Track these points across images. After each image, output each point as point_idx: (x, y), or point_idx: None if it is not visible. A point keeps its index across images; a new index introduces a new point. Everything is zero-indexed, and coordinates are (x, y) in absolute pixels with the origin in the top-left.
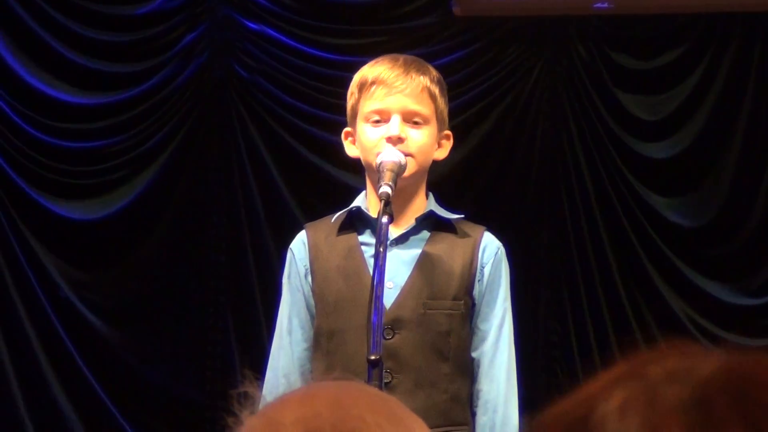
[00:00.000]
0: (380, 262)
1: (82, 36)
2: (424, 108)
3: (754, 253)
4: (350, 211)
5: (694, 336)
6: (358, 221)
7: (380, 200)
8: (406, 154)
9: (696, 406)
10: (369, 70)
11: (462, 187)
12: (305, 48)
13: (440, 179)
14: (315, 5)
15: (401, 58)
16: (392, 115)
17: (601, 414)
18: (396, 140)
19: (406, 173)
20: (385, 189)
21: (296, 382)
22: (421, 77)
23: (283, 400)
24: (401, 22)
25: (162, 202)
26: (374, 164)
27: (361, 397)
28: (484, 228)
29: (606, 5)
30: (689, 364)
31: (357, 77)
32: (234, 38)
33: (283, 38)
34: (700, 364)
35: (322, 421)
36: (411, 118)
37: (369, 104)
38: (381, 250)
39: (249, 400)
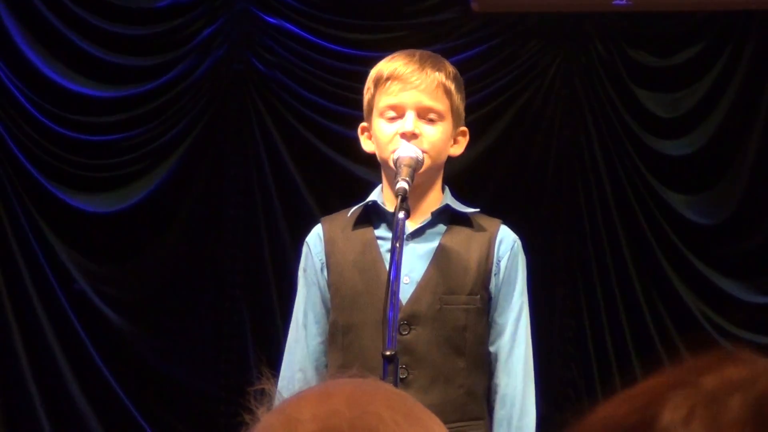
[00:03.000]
0: (396, 258)
1: (101, 29)
2: (439, 104)
3: None
4: (366, 206)
5: (709, 333)
6: (374, 215)
7: (396, 196)
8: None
9: (755, 420)
10: (385, 66)
11: (479, 183)
12: (323, 43)
13: (457, 175)
14: (333, 0)
15: (417, 53)
16: (407, 111)
17: (665, 423)
18: (410, 136)
19: (420, 170)
20: (402, 184)
21: (312, 376)
22: (437, 73)
23: (300, 397)
24: (420, 17)
25: (179, 195)
26: (389, 160)
27: (379, 394)
28: (500, 221)
29: (624, 2)
30: (748, 373)
31: (373, 72)
32: (252, 32)
33: (302, 33)
34: (758, 375)
35: (339, 418)
36: (426, 115)
37: (384, 99)
38: (397, 245)
39: (266, 396)
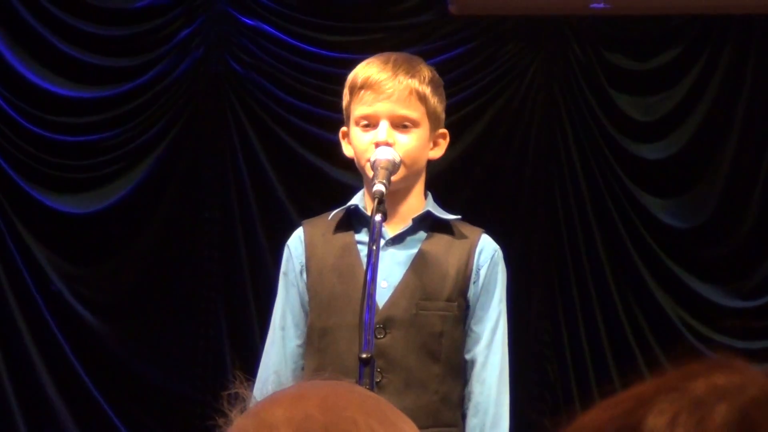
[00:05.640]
0: (373, 261)
1: (78, 30)
2: (413, 111)
3: (747, 255)
4: (348, 210)
5: (685, 337)
6: (355, 220)
7: (373, 198)
8: None
9: (741, 427)
10: (360, 71)
11: (456, 186)
12: (300, 44)
13: (433, 178)
14: (311, 2)
15: (392, 58)
16: (380, 120)
17: (649, 428)
18: (384, 145)
19: (396, 177)
20: (379, 187)
21: (287, 378)
22: (410, 80)
23: (273, 400)
24: (397, 19)
25: (156, 196)
26: (366, 168)
27: (353, 398)
28: (481, 230)
29: (602, 5)
30: (738, 381)
31: (350, 78)
32: (230, 34)
33: (279, 34)
34: (748, 382)
35: (313, 423)
36: (400, 123)
37: (359, 109)
38: (374, 248)
39: (240, 400)
